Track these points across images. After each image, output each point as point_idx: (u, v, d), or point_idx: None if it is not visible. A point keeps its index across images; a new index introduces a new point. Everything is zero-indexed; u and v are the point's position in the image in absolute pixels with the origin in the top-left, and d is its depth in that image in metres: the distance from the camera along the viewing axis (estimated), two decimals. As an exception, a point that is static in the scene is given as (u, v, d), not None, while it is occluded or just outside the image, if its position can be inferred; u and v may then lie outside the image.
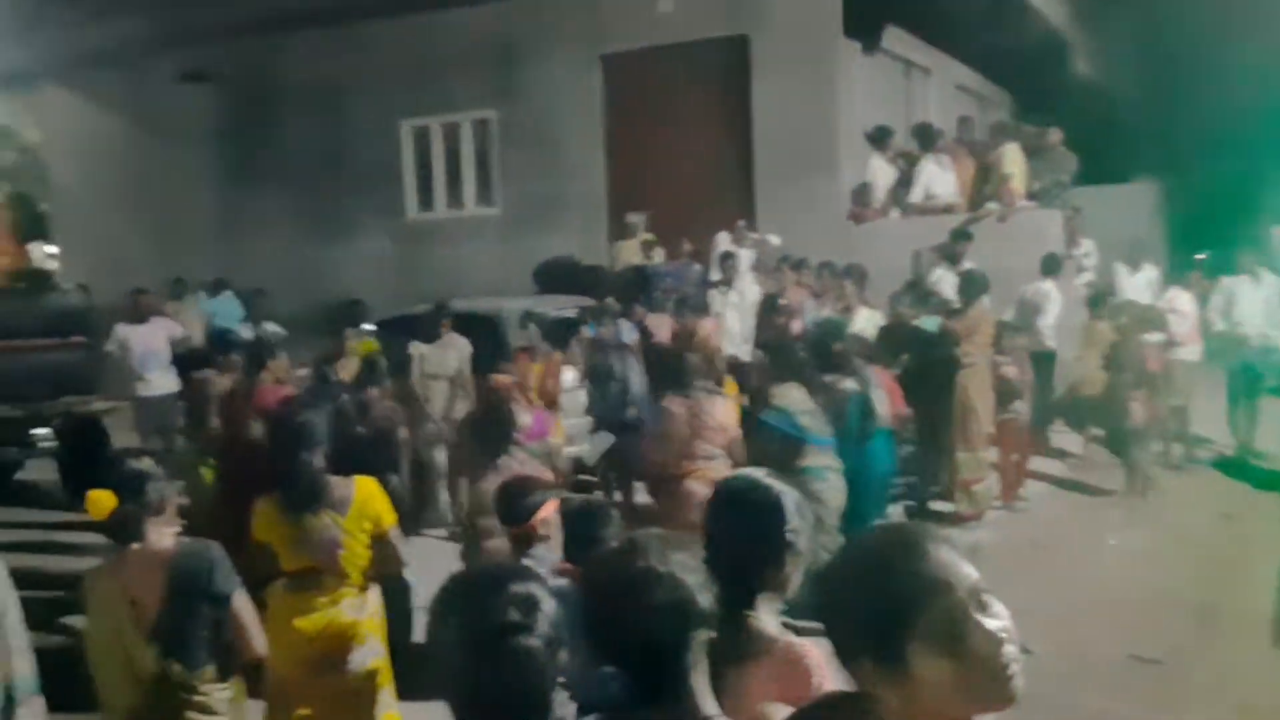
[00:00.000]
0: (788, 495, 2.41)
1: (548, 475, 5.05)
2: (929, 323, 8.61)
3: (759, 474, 2.52)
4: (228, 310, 12.04)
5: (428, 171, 14.81)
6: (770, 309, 9.32)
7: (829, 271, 9.63)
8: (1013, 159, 11.24)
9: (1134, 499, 8.63)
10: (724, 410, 6.10)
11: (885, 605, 1.54)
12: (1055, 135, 11.77)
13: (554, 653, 1.69)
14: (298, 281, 14.06)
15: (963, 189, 11.78)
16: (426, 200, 14.88)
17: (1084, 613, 6.10)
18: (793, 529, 2.36)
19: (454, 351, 8.63)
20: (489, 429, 5.22)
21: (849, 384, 6.70)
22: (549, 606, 1.72)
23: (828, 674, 2.21)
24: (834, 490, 5.95)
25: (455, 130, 14.52)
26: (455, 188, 14.69)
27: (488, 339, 9.36)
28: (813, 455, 6.00)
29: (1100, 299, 10.16)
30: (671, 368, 6.44)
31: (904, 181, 12.04)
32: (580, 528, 3.54)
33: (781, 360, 6.67)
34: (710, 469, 5.71)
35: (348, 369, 8.34)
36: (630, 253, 12.42)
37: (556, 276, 12.96)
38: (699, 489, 5.41)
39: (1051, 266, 9.89)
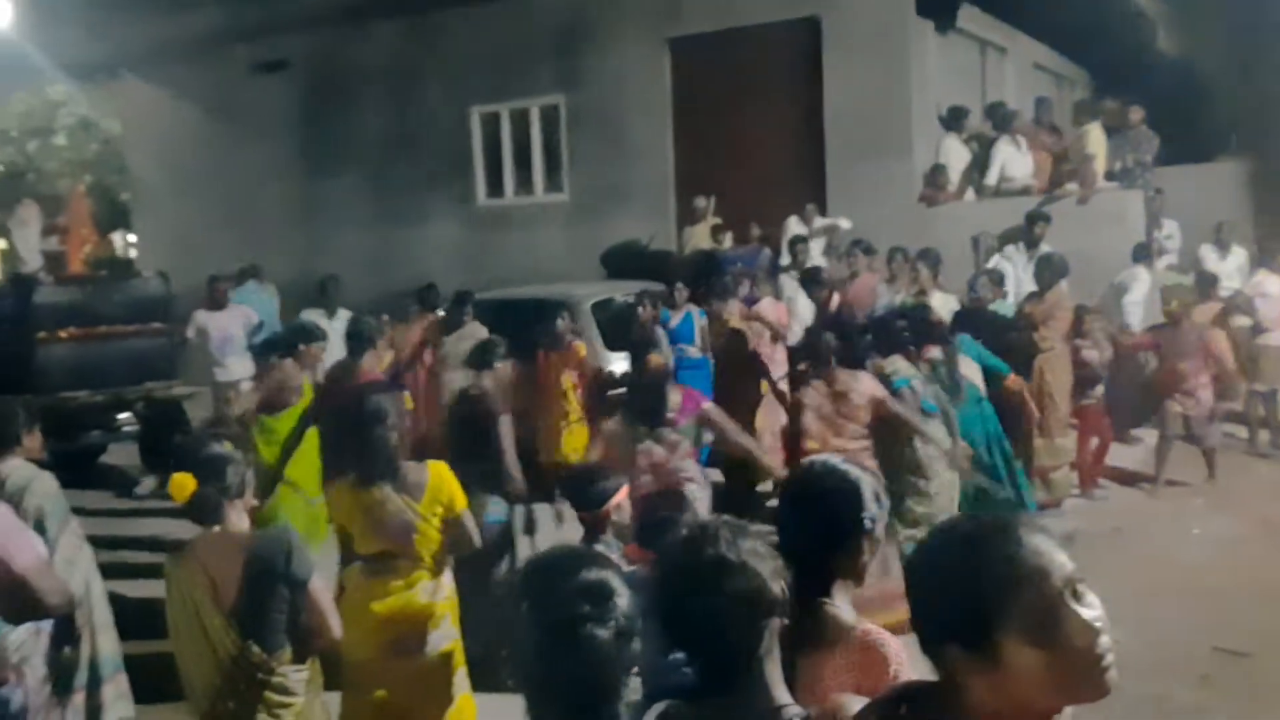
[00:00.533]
0: (865, 481, 2.37)
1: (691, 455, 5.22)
2: (1004, 307, 8.46)
3: (836, 459, 2.48)
4: (255, 302, 11.30)
5: (497, 158, 14.89)
6: (813, 282, 9.25)
7: (901, 255, 9.49)
8: (1096, 139, 11.00)
9: (1218, 487, 8.41)
10: (869, 385, 6.08)
11: (978, 592, 1.50)
12: (1137, 114, 11.49)
13: (626, 642, 1.69)
14: (370, 267, 14.25)
15: (1041, 171, 11.55)
16: (496, 186, 14.97)
17: (1166, 603, 5.96)
18: (870, 516, 2.33)
19: (472, 341, 8.70)
20: (645, 408, 5.25)
21: (937, 352, 6.89)
22: (623, 595, 1.72)
23: (905, 663, 2.20)
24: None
25: (524, 116, 14.57)
26: (524, 174, 14.76)
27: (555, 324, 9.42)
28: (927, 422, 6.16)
29: (1203, 283, 9.95)
30: (808, 351, 6.42)
31: (979, 163, 11.85)
32: (654, 514, 3.53)
33: (883, 333, 6.78)
34: (854, 447, 5.76)
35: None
36: (699, 238, 12.39)
37: (625, 262, 12.97)
38: None
39: (1141, 253, 9.76)
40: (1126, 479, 8.82)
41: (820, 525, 2.31)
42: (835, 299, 9.16)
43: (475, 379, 6.14)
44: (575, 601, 1.68)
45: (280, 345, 7.21)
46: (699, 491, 5.06)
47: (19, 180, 24.01)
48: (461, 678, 4.20)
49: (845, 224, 11.32)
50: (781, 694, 1.85)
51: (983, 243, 10.35)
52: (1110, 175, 11.19)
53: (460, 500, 4.13)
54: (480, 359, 6.20)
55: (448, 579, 4.20)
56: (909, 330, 6.78)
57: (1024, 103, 13.15)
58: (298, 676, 3.27)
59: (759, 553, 1.86)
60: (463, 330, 8.90)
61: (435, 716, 4.09)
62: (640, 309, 9.00)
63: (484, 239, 14.58)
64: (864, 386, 6.03)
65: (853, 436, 5.94)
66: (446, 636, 4.13)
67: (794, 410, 6.29)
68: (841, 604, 2.29)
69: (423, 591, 4.06)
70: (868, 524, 2.32)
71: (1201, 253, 11.06)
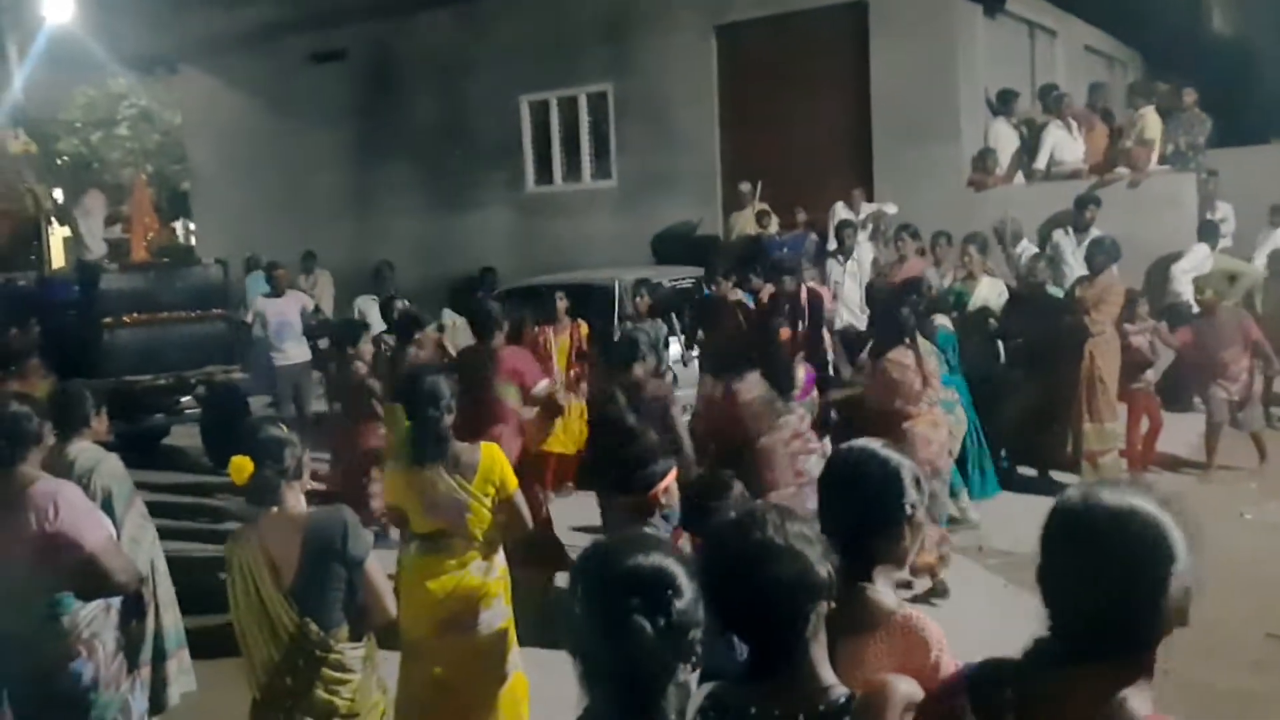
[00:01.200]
0: (906, 466, 2.37)
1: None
2: (1054, 291, 8.43)
3: (876, 444, 2.46)
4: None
5: (546, 145, 14.99)
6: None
7: (945, 239, 9.48)
8: (1153, 123, 10.88)
9: (1270, 471, 8.33)
10: (934, 358, 6.41)
11: (1145, 596, 1.60)
12: (1190, 95, 11.33)
13: (679, 635, 1.69)
14: (422, 254, 14.45)
15: (1093, 155, 11.44)
16: (545, 173, 15.07)
17: (1217, 589, 5.89)
18: (910, 501, 2.33)
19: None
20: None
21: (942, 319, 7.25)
22: (683, 587, 1.71)
23: (946, 648, 2.22)
24: (959, 422, 6.62)
25: (573, 104, 14.66)
26: (573, 161, 14.85)
27: (604, 309, 9.55)
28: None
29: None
30: (894, 321, 6.57)
31: (1028, 148, 11.76)
32: (699, 497, 3.56)
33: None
34: (936, 413, 6.19)
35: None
36: (744, 223, 12.42)
37: (674, 246, 13.03)
38: (928, 433, 6.07)
39: (1209, 232, 9.89)
40: (1177, 464, 8.76)
41: (861, 510, 2.29)
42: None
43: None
44: (626, 593, 1.67)
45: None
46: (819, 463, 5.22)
47: (85, 170, 24.49)
48: (515, 656, 4.29)
49: (891, 209, 11.30)
50: (828, 675, 1.88)
51: (1009, 227, 10.28)
52: (1163, 158, 11.06)
53: (512, 482, 4.20)
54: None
55: (501, 559, 4.27)
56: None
57: (1074, 86, 13.00)
58: (354, 654, 3.36)
59: (806, 536, 1.88)
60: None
61: (489, 694, 4.19)
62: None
63: (533, 225, 14.71)
64: (933, 360, 6.34)
65: (929, 403, 6.23)
66: (500, 615, 4.21)
67: (883, 379, 6.40)
68: (882, 588, 2.29)
69: (476, 570, 4.14)
70: (908, 509, 2.32)
71: (1260, 235, 10.91)
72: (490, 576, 4.20)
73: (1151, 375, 8.44)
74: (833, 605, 1.90)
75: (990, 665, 1.77)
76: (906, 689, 1.87)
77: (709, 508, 3.52)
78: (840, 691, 1.86)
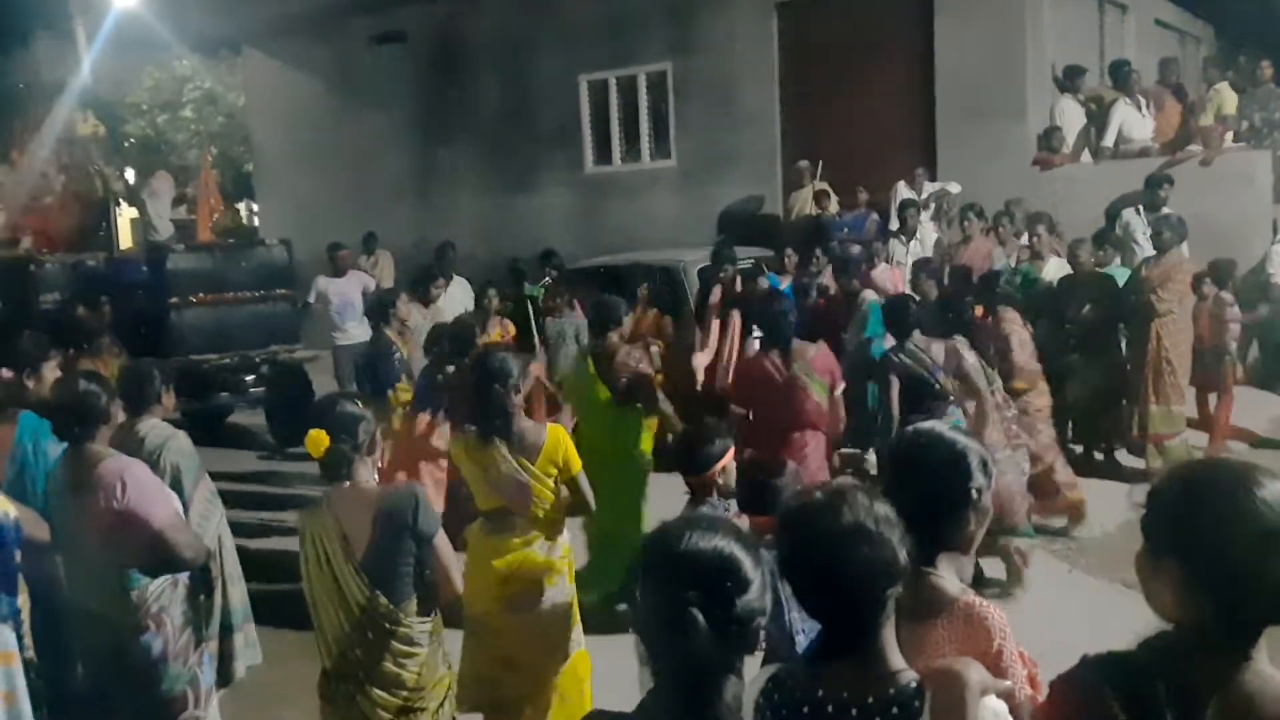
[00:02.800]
0: (973, 450, 2.32)
1: None
2: (1118, 271, 8.26)
3: (943, 427, 2.43)
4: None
5: (606, 125, 14.97)
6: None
7: (1007, 219, 9.32)
8: (1230, 99, 10.61)
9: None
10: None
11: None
12: (1267, 70, 11.01)
13: (745, 623, 1.67)
14: (482, 235, 14.51)
15: (1164, 132, 11.17)
16: (604, 153, 15.05)
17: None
18: (977, 486, 2.28)
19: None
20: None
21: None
22: (749, 578, 1.68)
23: (1009, 636, 2.19)
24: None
25: (632, 84, 14.61)
26: (632, 141, 14.82)
27: (666, 289, 9.52)
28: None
29: None
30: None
31: (1097, 125, 11.51)
32: (756, 477, 3.54)
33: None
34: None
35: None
36: (804, 203, 12.31)
37: (737, 226, 12.95)
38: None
39: None
40: (1260, 443, 8.56)
41: (927, 495, 2.23)
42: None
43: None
44: (687, 582, 1.65)
45: None
46: None
47: (151, 152, 24.91)
48: (578, 634, 4.31)
49: (955, 188, 11.12)
50: (897, 660, 1.86)
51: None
52: (1237, 135, 10.77)
53: (575, 463, 4.22)
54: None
55: (564, 538, 4.30)
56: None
57: (1145, 61, 12.70)
58: (422, 628, 3.40)
59: (890, 519, 1.86)
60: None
61: (551, 671, 4.21)
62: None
63: (593, 206, 14.70)
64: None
65: None
66: (563, 593, 4.23)
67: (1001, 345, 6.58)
68: (946, 574, 2.26)
69: (539, 549, 4.16)
70: (975, 494, 2.28)
71: None
72: (554, 555, 4.22)
73: (1234, 349, 8.26)
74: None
75: (1127, 658, 1.69)
76: (979, 677, 1.84)
77: (766, 487, 3.51)
78: (910, 677, 1.83)
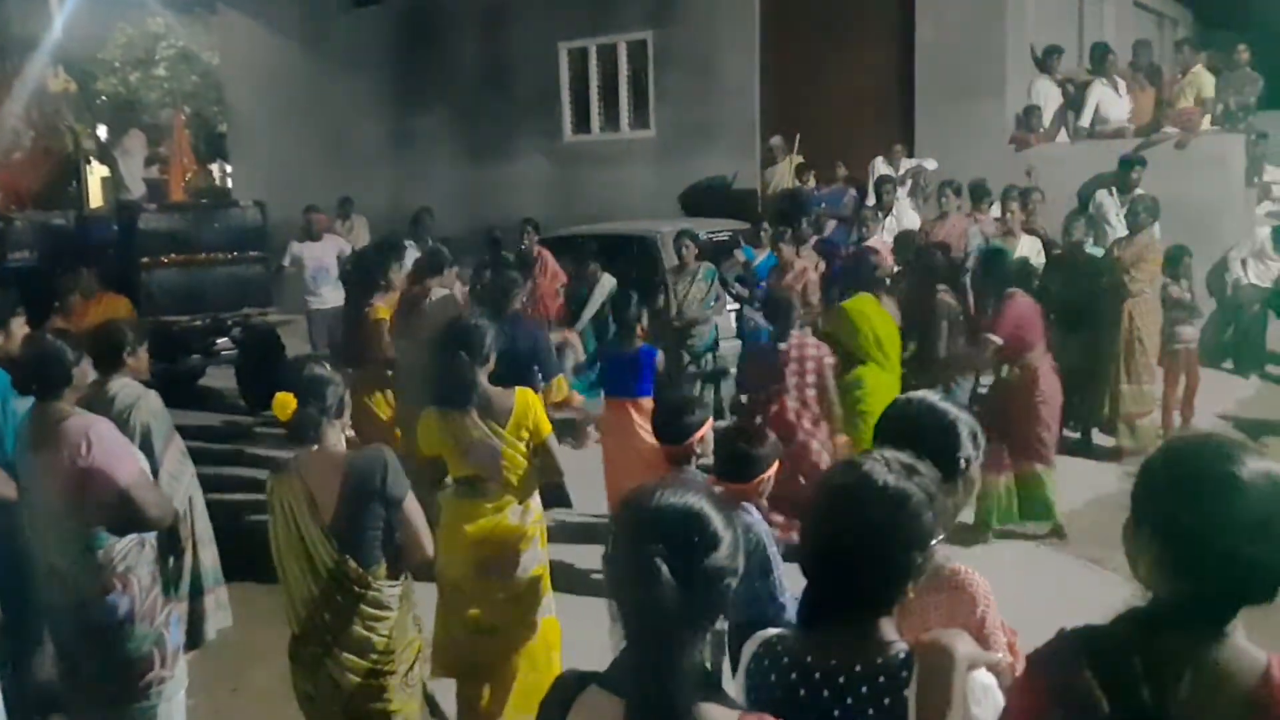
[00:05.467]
0: (962, 421, 2.33)
1: None
2: (1095, 251, 8.32)
3: (934, 397, 2.42)
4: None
5: (585, 94, 14.87)
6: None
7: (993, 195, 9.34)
8: (1207, 81, 10.66)
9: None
10: None
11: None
12: (1244, 53, 11.07)
13: (712, 581, 1.65)
14: (458, 201, 14.41)
15: (1140, 114, 11.22)
16: (583, 123, 14.96)
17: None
18: (966, 455, 2.30)
19: None
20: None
21: None
22: (719, 532, 1.66)
23: (993, 604, 2.21)
24: None
25: (612, 52, 14.52)
26: (611, 110, 14.73)
27: (643, 261, 9.51)
28: None
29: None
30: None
31: (1074, 105, 11.54)
32: (736, 445, 3.54)
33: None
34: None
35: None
36: (781, 177, 12.30)
37: (707, 200, 12.94)
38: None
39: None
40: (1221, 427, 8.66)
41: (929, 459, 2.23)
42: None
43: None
44: (654, 537, 1.62)
45: None
46: None
47: (124, 110, 24.56)
48: (549, 601, 4.33)
49: (931, 165, 11.15)
50: (890, 631, 1.85)
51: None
52: (1212, 118, 10.83)
53: (545, 427, 4.22)
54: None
55: (536, 503, 4.31)
56: None
57: (1123, 43, 12.72)
58: (392, 591, 3.40)
59: (928, 488, 1.86)
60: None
61: (523, 637, 4.24)
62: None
63: (570, 175, 14.63)
64: None
65: None
66: (535, 559, 4.25)
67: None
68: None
69: (511, 514, 4.18)
70: (963, 464, 2.29)
71: None
72: (526, 520, 4.24)
73: (1191, 333, 8.32)
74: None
75: (1103, 632, 1.69)
76: (968, 650, 1.83)
77: (746, 456, 3.49)
78: (900, 648, 1.83)
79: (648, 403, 6.06)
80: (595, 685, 1.74)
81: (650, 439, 4.49)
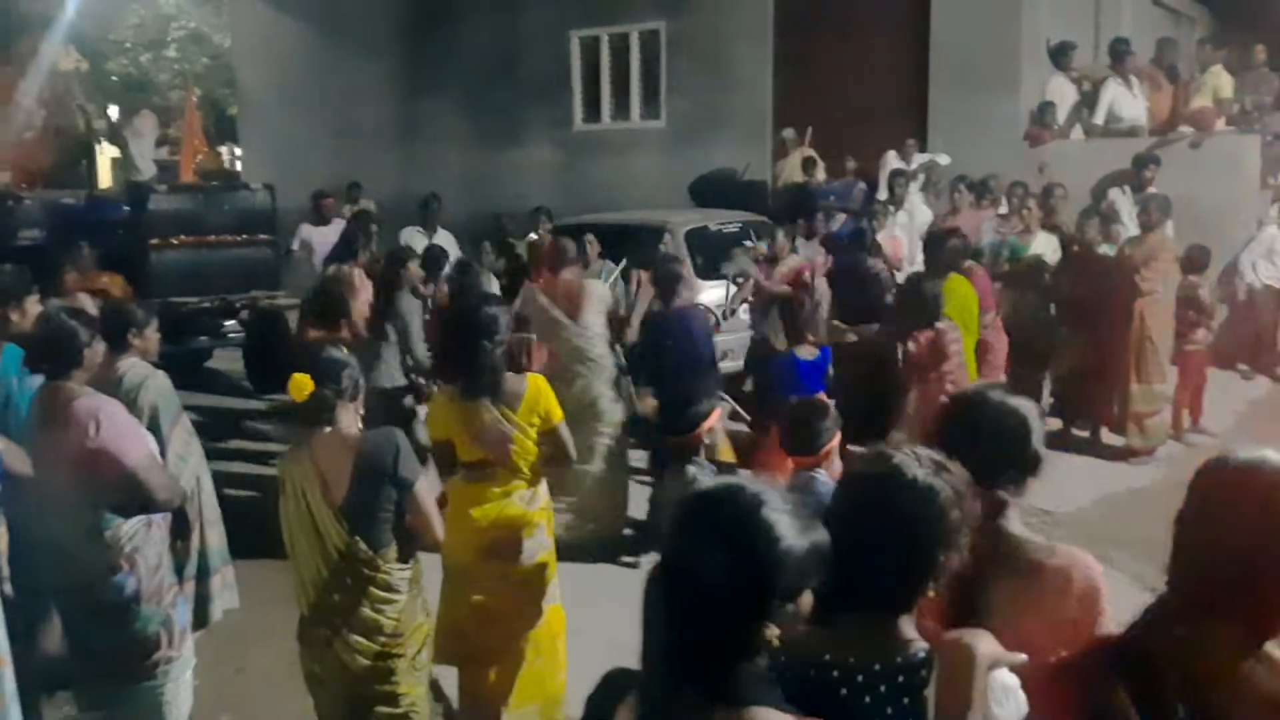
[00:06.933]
0: (1033, 411, 2.34)
1: None
2: (1107, 249, 8.29)
3: (1001, 390, 2.41)
4: None
5: (596, 83, 14.84)
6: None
7: (1022, 190, 9.28)
8: (1226, 81, 10.61)
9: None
10: None
11: None
12: (1261, 52, 11.01)
13: (787, 598, 1.62)
14: (466, 188, 14.38)
15: (1156, 113, 11.16)
16: (593, 111, 14.93)
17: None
18: (1040, 444, 2.30)
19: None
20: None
21: None
22: (794, 546, 1.62)
23: (1098, 589, 2.13)
24: None
25: (624, 41, 14.48)
26: (622, 100, 14.70)
27: (652, 251, 9.46)
28: None
29: None
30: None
31: (1088, 102, 11.49)
32: (801, 421, 3.72)
33: None
34: None
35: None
36: (791, 170, 12.27)
37: (717, 191, 12.91)
38: None
39: None
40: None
41: (993, 454, 2.22)
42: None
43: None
44: (723, 552, 1.59)
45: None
46: None
47: (135, 91, 24.55)
48: (555, 588, 4.32)
49: (944, 160, 11.11)
50: (909, 629, 1.84)
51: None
52: (1229, 119, 10.78)
53: (556, 413, 4.20)
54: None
55: (544, 489, 4.29)
56: None
57: (1139, 40, 12.65)
58: (401, 575, 3.40)
59: (956, 485, 1.85)
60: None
61: (527, 623, 4.22)
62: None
63: (579, 164, 14.60)
64: None
65: None
66: (541, 546, 4.23)
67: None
68: (1018, 526, 2.25)
69: (519, 500, 4.16)
70: (1039, 453, 2.30)
71: None
72: (533, 507, 4.22)
73: (1204, 335, 8.29)
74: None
75: (1135, 637, 1.68)
76: (989, 649, 1.80)
77: (811, 429, 3.71)
78: (920, 647, 1.81)
79: None
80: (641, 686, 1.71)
81: None
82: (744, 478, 1.72)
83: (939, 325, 5.98)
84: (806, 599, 1.64)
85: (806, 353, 6.21)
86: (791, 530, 1.62)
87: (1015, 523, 2.26)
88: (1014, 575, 2.15)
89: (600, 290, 6.65)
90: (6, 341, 4.34)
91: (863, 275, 7.69)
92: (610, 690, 1.78)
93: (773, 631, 1.60)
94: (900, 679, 1.78)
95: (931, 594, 1.84)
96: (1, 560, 3.34)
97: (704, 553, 1.60)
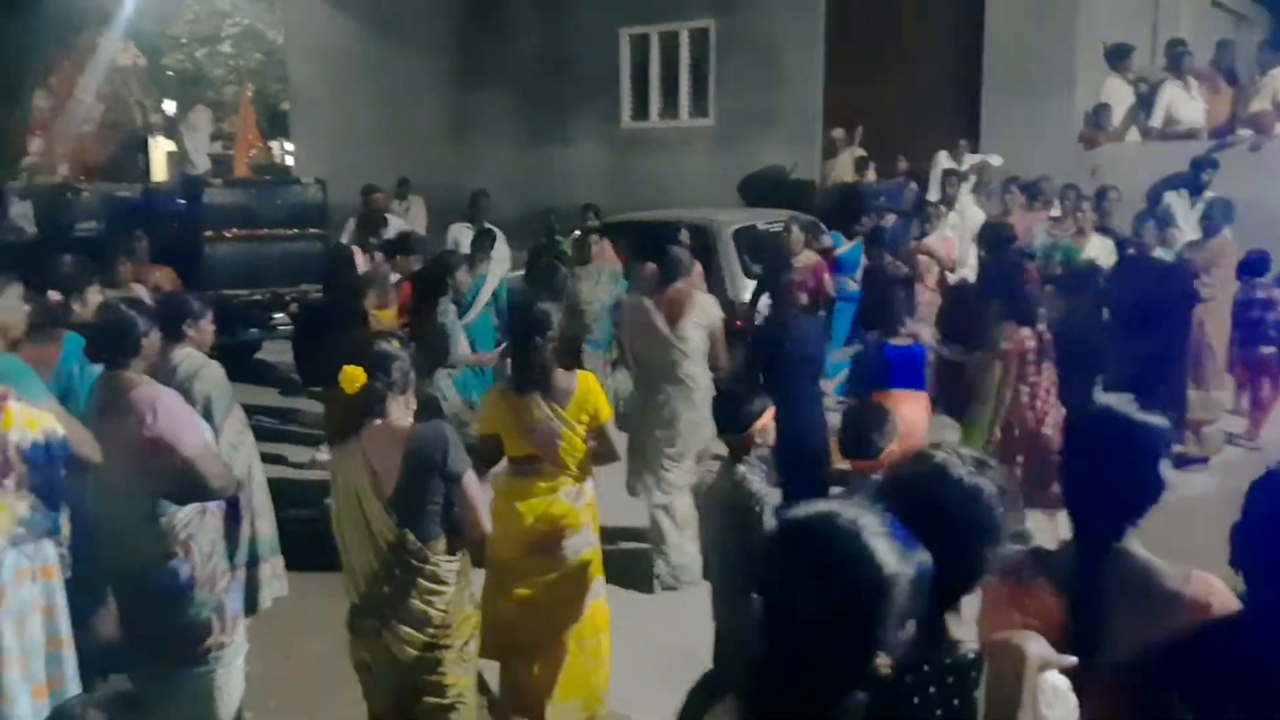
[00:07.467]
0: (1161, 428, 2.24)
1: None
2: (1164, 254, 8.16)
3: (1132, 405, 2.30)
4: None
5: (644, 80, 14.84)
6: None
7: (1075, 193, 9.15)
8: (1284, 84, 10.43)
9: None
10: None
11: None
12: (1323, 55, 10.80)
13: (896, 630, 1.58)
14: (514, 184, 14.44)
15: (1216, 116, 10.97)
16: (641, 109, 14.94)
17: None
18: (1168, 463, 2.21)
19: None
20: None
21: None
22: (901, 575, 1.57)
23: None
24: None
25: (674, 39, 14.47)
26: (670, 97, 14.69)
27: (698, 250, 9.45)
28: None
29: None
30: None
31: (1144, 105, 11.32)
32: (860, 425, 3.76)
33: None
34: None
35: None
36: (841, 169, 12.20)
37: (764, 190, 12.87)
38: None
39: None
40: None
41: (1121, 473, 2.16)
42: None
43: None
44: (834, 589, 1.56)
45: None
46: None
47: (190, 86, 24.91)
48: (599, 585, 4.34)
49: (996, 161, 11.00)
50: (959, 629, 1.83)
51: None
52: (1288, 122, 10.57)
53: (605, 411, 4.24)
54: None
55: (590, 486, 4.31)
56: None
57: (1199, 42, 12.45)
58: (449, 567, 3.41)
59: (1002, 485, 1.85)
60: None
61: (570, 618, 4.25)
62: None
63: (626, 161, 14.61)
64: None
65: None
66: (586, 542, 4.26)
67: None
68: (1139, 549, 2.18)
69: (565, 496, 4.19)
70: (1165, 473, 2.21)
71: None
72: (579, 503, 4.25)
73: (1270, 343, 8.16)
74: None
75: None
76: (1040, 650, 1.78)
77: (870, 435, 3.76)
78: (970, 647, 1.80)
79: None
80: (735, 698, 1.69)
81: None
82: (835, 502, 1.69)
83: (1038, 326, 5.96)
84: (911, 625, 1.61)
85: (901, 343, 5.90)
86: (892, 555, 1.57)
87: (1138, 545, 2.19)
88: (1143, 602, 2.09)
89: (706, 302, 6.11)
90: (68, 331, 4.41)
91: (887, 275, 7.66)
92: (704, 695, 1.78)
93: (884, 660, 1.57)
94: (949, 680, 1.76)
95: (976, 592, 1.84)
96: (64, 546, 3.39)
97: (805, 587, 1.57)
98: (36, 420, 3.14)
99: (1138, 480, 2.18)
